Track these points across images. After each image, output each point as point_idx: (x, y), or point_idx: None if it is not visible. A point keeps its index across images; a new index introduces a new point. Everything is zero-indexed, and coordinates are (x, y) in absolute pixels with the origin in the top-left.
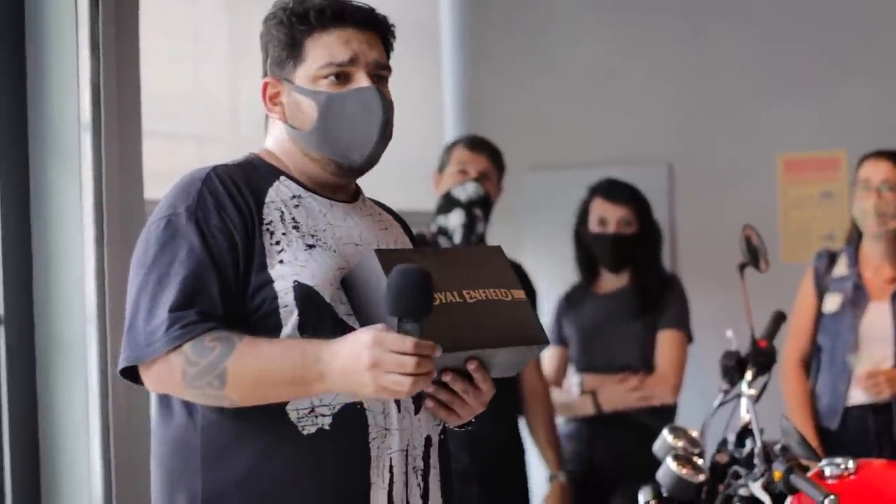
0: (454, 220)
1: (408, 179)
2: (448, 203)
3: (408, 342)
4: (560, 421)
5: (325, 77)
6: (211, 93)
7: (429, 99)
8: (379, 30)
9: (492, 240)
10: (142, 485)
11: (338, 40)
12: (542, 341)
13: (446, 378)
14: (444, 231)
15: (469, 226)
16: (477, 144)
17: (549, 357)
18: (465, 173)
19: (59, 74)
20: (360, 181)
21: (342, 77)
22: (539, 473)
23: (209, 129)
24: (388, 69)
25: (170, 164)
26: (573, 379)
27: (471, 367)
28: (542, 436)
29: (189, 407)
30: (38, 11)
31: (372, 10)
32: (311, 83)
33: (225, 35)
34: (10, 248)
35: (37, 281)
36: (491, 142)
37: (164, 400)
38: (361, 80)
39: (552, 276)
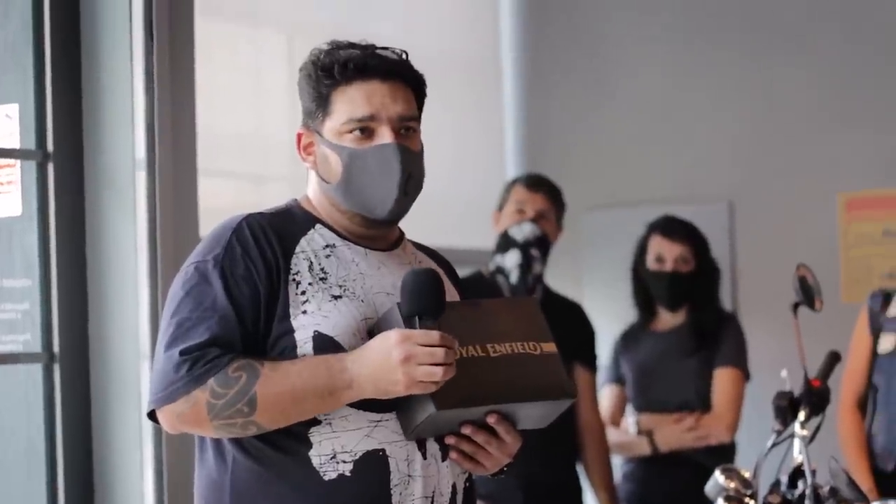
0: (510, 261)
1: (469, 217)
2: (505, 243)
3: (434, 334)
4: (617, 461)
5: (350, 132)
6: (271, 131)
7: (490, 135)
8: (406, 79)
9: (552, 279)
10: None
11: (361, 94)
12: (567, 396)
13: (466, 431)
14: (501, 270)
15: (525, 266)
16: (535, 183)
17: (606, 396)
18: (523, 213)
19: (114, 112)
20: (421, 218)
21: (366, 132)
22: None
23: (269, 168)
24: (415, 119)
25: (229, 202)
26: (630, 419)
27: (490, 420)
28: (596, 477)
29: (220, 449)
30: (93, 48)
31: (397, 61)
32: (337, 137)
33: (285, 73)
34: (66, 287)
35: (92, 319)
36: (550, 180)
37: (200, 439)
38: (384, 136)
39: (613, 316)
